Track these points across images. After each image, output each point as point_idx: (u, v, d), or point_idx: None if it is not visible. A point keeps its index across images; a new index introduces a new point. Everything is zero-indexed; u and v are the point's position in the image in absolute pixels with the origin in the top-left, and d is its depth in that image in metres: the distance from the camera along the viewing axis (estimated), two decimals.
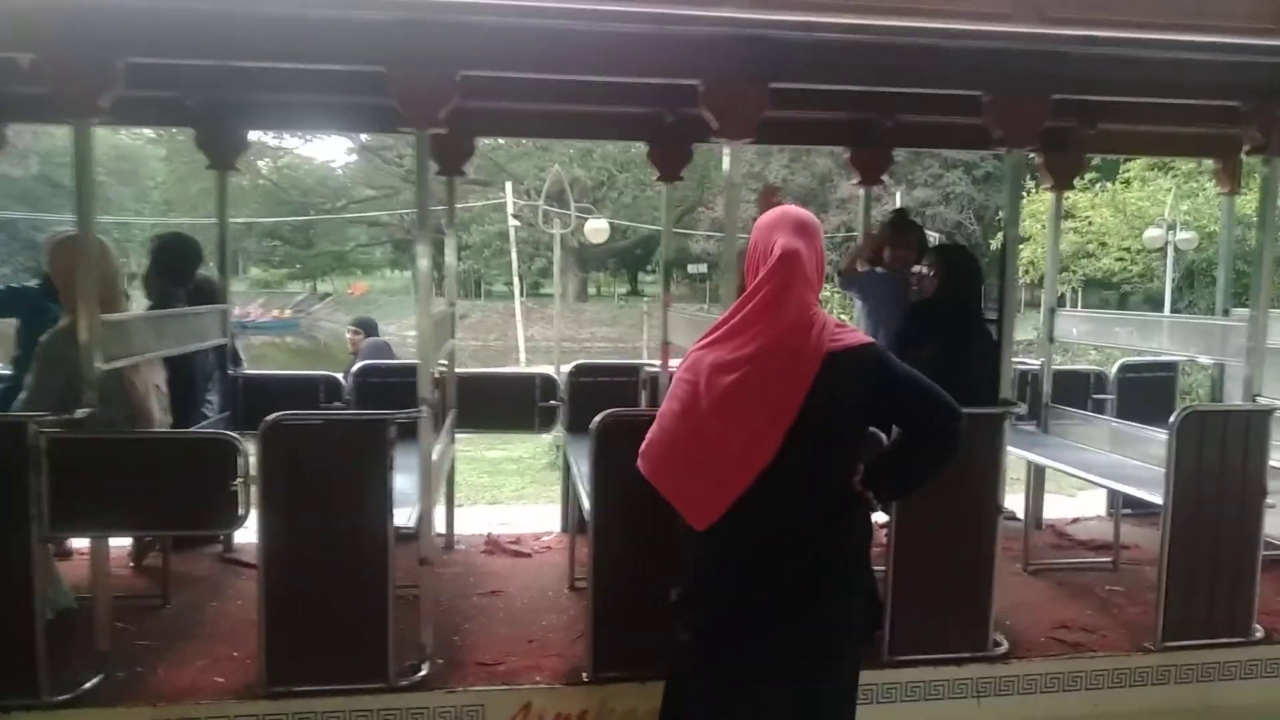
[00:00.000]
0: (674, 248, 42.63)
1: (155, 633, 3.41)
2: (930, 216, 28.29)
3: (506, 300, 44.54)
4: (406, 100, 2.84)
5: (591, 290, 46.82)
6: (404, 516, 3.03)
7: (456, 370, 4.52)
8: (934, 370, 3.28)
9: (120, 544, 4.12)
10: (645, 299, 43.07)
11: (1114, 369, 5.05)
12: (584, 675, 3.08)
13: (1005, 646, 3.34)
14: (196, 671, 3.08)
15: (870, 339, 2.30)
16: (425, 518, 3.09)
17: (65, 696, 2.84)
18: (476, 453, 9.76)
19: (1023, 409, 3.41)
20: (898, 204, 26.78)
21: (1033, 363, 4.83)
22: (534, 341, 26.75)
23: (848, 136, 4.61)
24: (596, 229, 21.82)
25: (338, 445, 2.94)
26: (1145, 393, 4.92)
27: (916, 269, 3.74)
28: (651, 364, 4.62)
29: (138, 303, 4.04)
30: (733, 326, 2.19)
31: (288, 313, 40.77)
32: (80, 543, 4.17)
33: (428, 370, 3.09)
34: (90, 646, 3.00)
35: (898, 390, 2.19)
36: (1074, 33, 2.99)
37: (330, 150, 44.52)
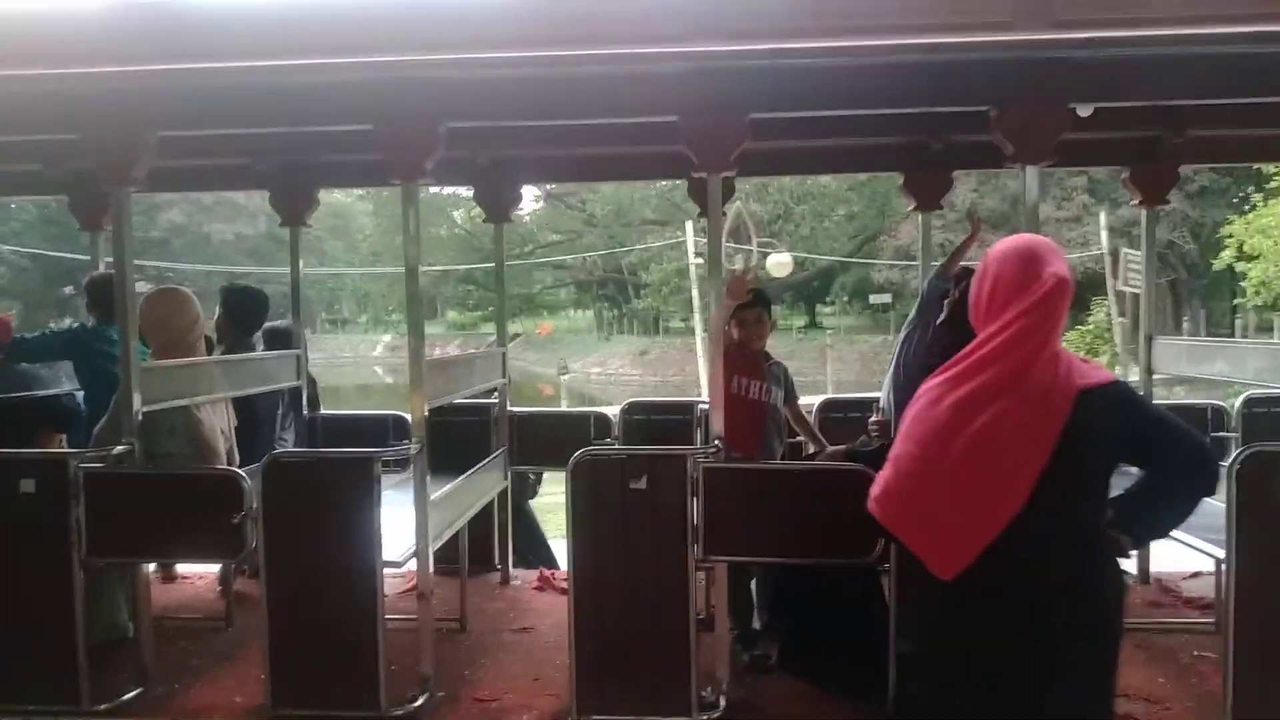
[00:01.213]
0: (855, 277, 41.76)
1: (206, 653, 3.71)
2: (1136, 237, 26.15)
3: (684, 336, 45.12)
4: (701, 146, 3.03)
5: None
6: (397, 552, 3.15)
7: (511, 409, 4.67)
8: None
9: (210, 570, 4.52)
10: (826, 331, 42.27)
11: (1237, 403, 4.49)
12: (569, 717, 3.07)
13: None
14: (222, 691, 3.33)
15: (1114, 376, 2.18)
16: (421, 555, 3.19)
17: (103, 706, 3.15)
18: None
19: None
20: (1102, 225, 24.96)
21: None
22: None
23: (1129, 156, 4.25)
24: (780, 263, 21.67)
25: (329, 482, 3.10)
26: (1276, 430, 4.33)
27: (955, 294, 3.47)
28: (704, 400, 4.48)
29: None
30: (978, 361, 2.03)
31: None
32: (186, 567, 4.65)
33: (421, 410, 3.18)
34: (138, 663, 3.30)
35: (1148, 429, 2.06)
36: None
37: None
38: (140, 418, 3.22)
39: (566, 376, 32.34)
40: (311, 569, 3.08)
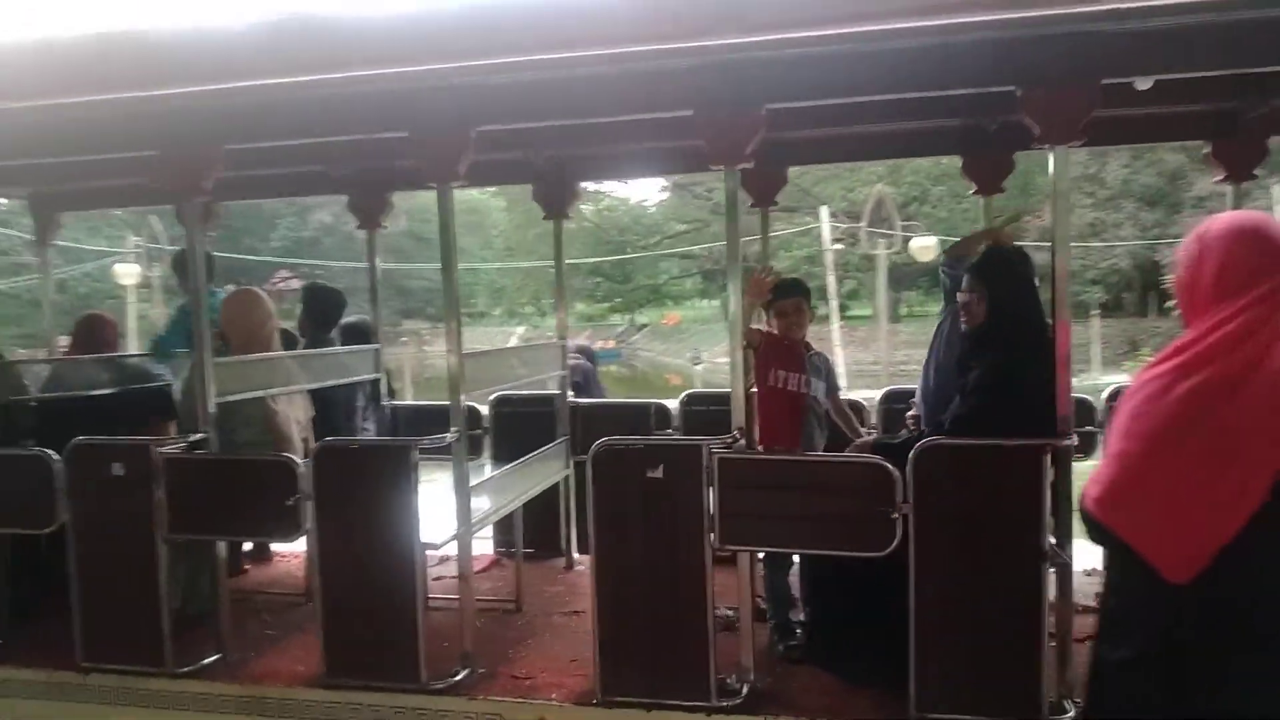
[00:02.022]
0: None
1: (282, 625, 4.04)
2: None
3: (815, 325, 44.28)
4: (714, 139, 3.05)
5: (903, 310, 45.13)
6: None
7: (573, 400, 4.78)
8: (982, 396, 3.04)
9: (300, 548, 4.86)
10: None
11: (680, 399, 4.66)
12: (594, 699, 3.17)
13: (1069, 714, 2.91)
14: (288, 660, 3.61)
15: None
16: (462, 538, 3.37)
17: (184, 669, 3.48)
18: None
19: (1074, 440, 2.93)
20: (1275, 203, 22.95)
21: None
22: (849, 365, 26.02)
23: (1208, 129, 4.05)
24: (924, 246, 21.07)
25: (371, 468, 3.31)
26: None
27: (961, 296, 3.36)
28: None
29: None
30: (1207, 349, 1.88)
31: (611, 343, 43.74)
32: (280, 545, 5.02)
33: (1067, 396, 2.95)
34: (219, 633, 3.63)
35: None
36: None
37: (644, 190, 47.36)
38: (215, 409, 3.53)
39: (700, 366, 32.41)
40: (357, 550, 3.30)
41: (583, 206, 46.79)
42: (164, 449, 3.44)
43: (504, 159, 4.39)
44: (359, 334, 4.96)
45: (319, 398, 4.43)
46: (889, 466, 2.90)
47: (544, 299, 44.13)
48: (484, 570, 4.69)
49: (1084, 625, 2.76)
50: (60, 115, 3.38)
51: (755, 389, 3.59)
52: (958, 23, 2.71)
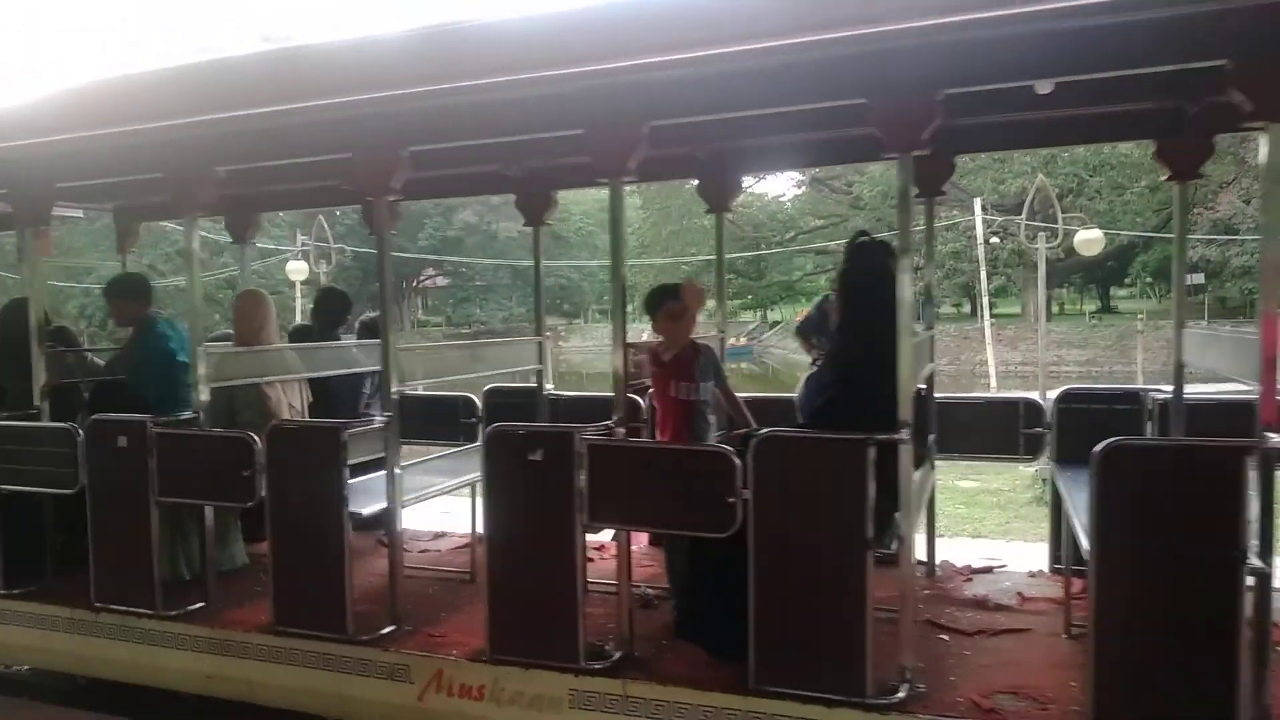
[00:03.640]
0: (1158, 255, 37.40)
1: (450, 603, 4.24)
2: None
3: (957, 322, 42.84)
4: (889, 127, 2.99)
5: (1054, 309, 42.90)
6: None
7: (936, 395, 4.51)
8: (832, 392, 3.23)
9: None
10: (1123, 317, 38.29)
11: (1056, 396, 4.34)
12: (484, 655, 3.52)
13: (899, 697, 3.04)
14: (456, 634, 3.77)
15: None
16: (389, 515, 3.79)
17: (364, 638, 3.77)
18: (947, 481, 9.60)
19: (903, 436, 3.02)
20: None
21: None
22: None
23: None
24: (1089, 240, 20.15)
25: (309, 446, 3.80)
26: None
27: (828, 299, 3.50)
28: (1160, 389, 4.26)
29: None
30: None
31: (742, 340, 43.74)
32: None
33: (909, 393, 3.04)
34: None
35: None
36: None
37: (780, 185, 46.99)
38: (209, 394, 4.11)
39: None
40: (299, 522, 3.80)
41: None
42: (158, 426, 4.05)
43: (669, 154, 4.44)
44: (373, 330, 5.51)
45: (321, 386, 5.00)
46: (731, 455, 3.13)
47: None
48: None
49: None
50: (262, 124, 3.68)
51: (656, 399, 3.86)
52: None
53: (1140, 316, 29.03)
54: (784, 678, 3.11)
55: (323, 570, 3.76)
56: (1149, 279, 42.35)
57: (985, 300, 26.49)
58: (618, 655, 3.44)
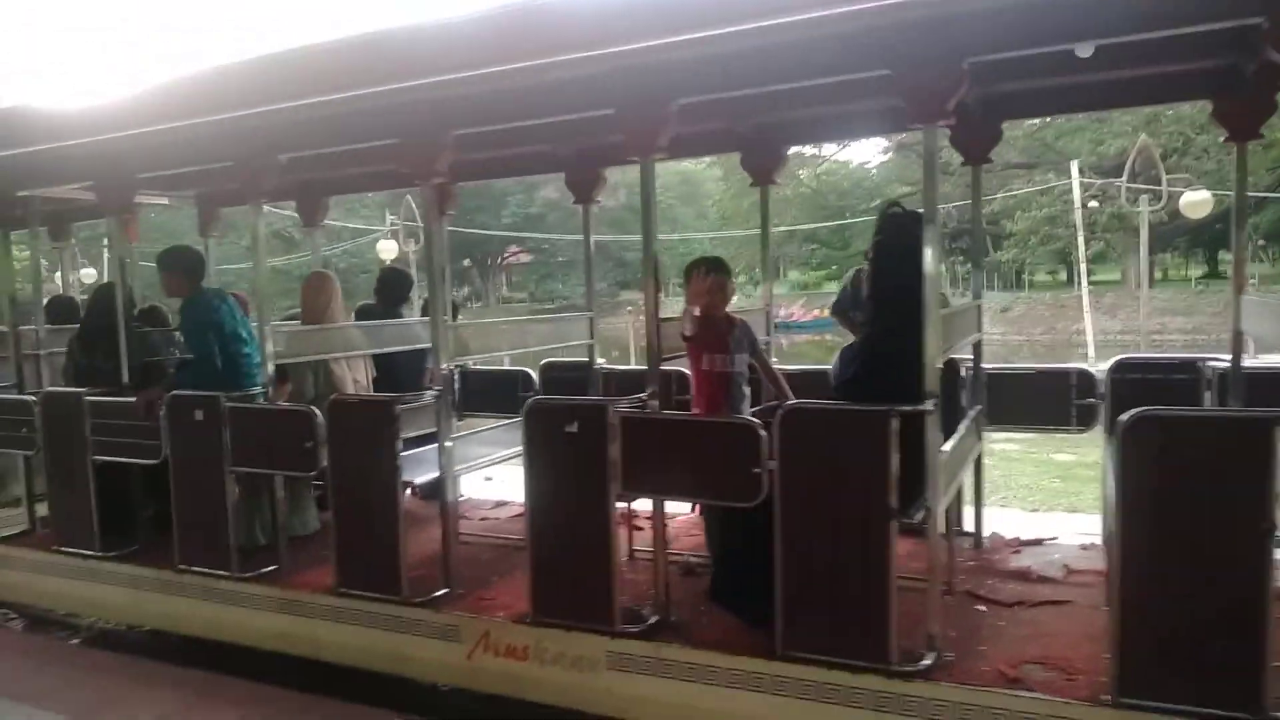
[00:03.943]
0: (1272, 216, 35.32)
1: (503, 568, 4.25)
2: None
3: (1052, 290, 41.40)
4: (912, 97, 2.98)
5: (1156, 274, 41.05)
6: None
7: (985, 366, 4.43)
8: (859, 365, 3.27)
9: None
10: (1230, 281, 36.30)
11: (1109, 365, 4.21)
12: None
13: (925, 664, 3.08)
14: (503, 597, 3.93)
15: None
16: (444, 483, 3.97)
17: (418, 600, 3.97)
18: (1042, 455, 9.74)
19: (928, 407, 3.00)
20: None
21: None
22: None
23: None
24: (1196, 202, 19.41)
25: (363, 420, 4.01)
26: None
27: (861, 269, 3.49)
28: (1219, 358, 4.11)
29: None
30: None
31: (826, 312, 43.24)
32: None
33: (935, 365, 3.05)
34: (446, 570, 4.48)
35: None
36: None
37: (865, 152, 46.04)
38: (273, 369, 4.38)
39: None
40: (357, 490, 4.02)
41: (799, 172, 46.35)
42: (230, 401, 4.33)
43: (711, 129, 4.60)
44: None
45: (385, 362, 5.24)
46: (756, 426, 3.20)
47: (757, 268, 44.16)
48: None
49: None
50: (319, 112, 3.84)
51: (691, 371, 3.93)
52: None
53: (1251, 281, 27.52)
54: (810, 644, 3.18)
55: (379, 536, 3.99)
56: (1261, 241, 40.05)
57: (1083, 267, 25.55)
58: (654, 619, 3.56)
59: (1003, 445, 10.01)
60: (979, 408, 4.25)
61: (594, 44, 3.23)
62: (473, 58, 3.46)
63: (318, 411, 4.12)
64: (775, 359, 4.66)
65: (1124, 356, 4.47)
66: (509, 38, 3.45)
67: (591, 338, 5.35)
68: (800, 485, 3.16)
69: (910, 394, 3.05)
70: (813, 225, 42.17)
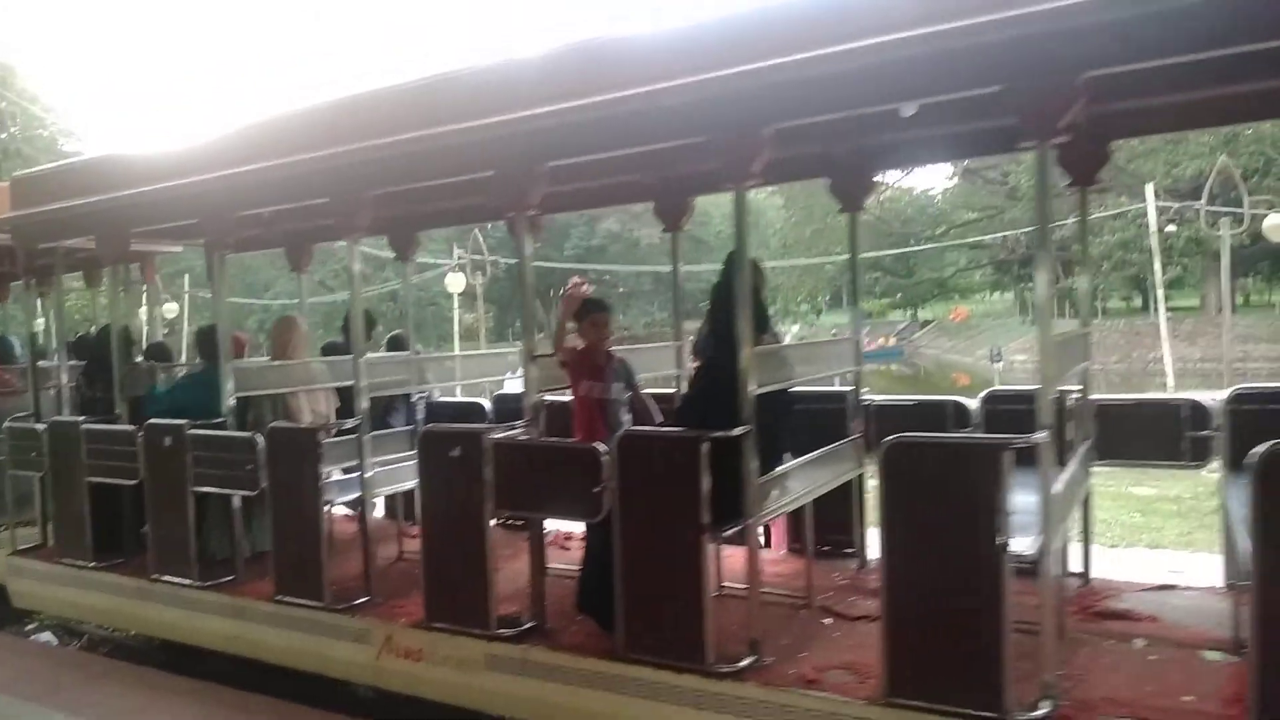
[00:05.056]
0: None
1: None
2: None
3: (1126, 317, 40.19)
4: (1026, 113, 2.87)
5: (1238, 300, 39.52)
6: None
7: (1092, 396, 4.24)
8: (692, 391, 3.65)
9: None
10: None
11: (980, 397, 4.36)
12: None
13: (741, 665, 3.41)
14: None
15: None
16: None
17: (207, 584, 4.91)
18: (1120, 488, 9.28)
19: (740, 432, 3.31)
20: None
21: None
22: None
23: None
24: (1278, 224, 19.11)
25: (290, 450, 4.54)
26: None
27: None
28: None
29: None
30: None
31: (891, 341, 42.82)
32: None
33: (1049, 394, 2.99)
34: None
35: None
36: None
37: (930, 178, 45.59)
38: (234, 401, 4.96)
39: (1000, 364, 31.08)
40: (290, 506, 4.55)
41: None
42: (193, 429, 4.92)
43: (799, 154, 4.41)
44: (398, 344, 6.28)
45: (347, 393, 5.78)
46: (598, 450, 3.60)
47: (820, 296, 44.20)
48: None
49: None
50: (413, 148, 3.94)
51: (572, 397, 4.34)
52: None
53: None
54: (643, 646, 3.55)
55: (308, 548, 4.49)
56: None
57: (1160, 293, 24.95)
58: (528, 625, 3.97)
59: None
60: (1088, 441, 4.02)
61: (688, 71, 3.23)
62: (566, 89, 3.53)
63: (260, 437, 4.67)
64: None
65: (1241, 387, 4.17)
66: (603, 67, 3.53)
67: (679, 368, 5.25)
68: (634, 503, 3.54)
69: (735, 419, 3.39)
70: (876, 253, 41.94)
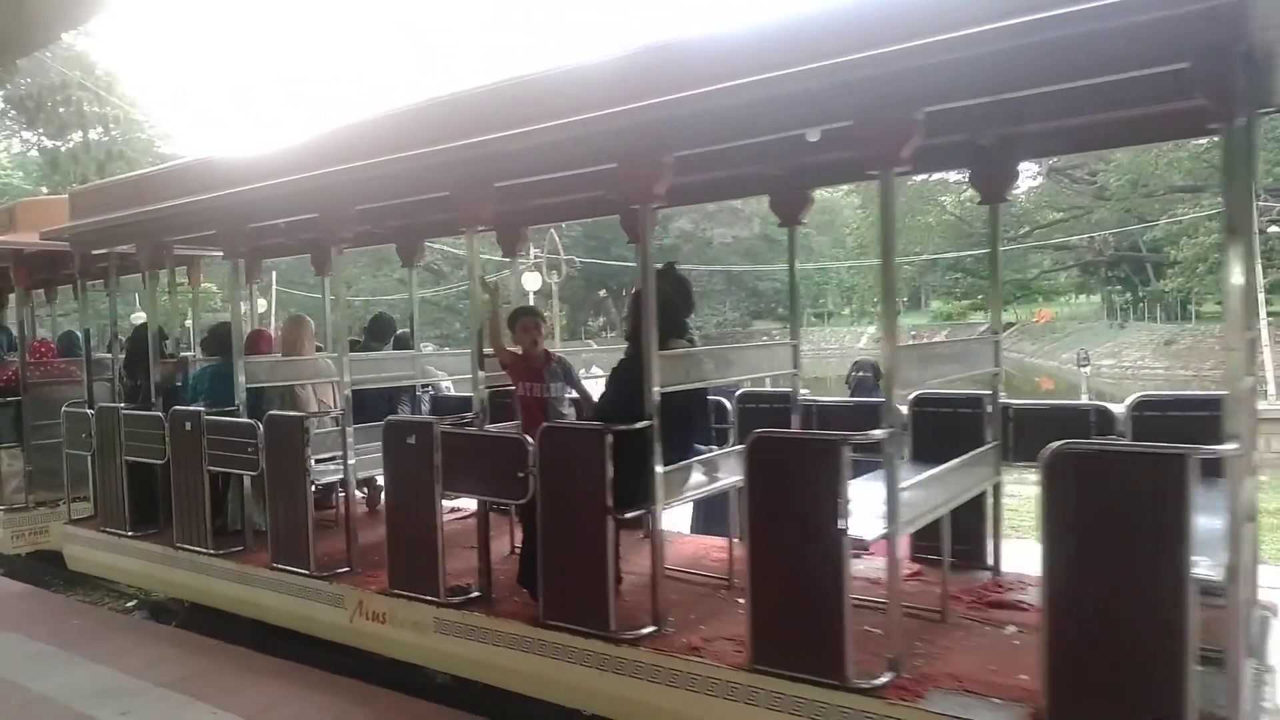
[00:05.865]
0: None
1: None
2: None
3: (1222, 323, 38.02)
4: (1216, 88, 2.64)
5: None
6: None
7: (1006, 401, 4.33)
8: (607, 390, 4.07)
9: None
10: None
11: (1128, 402, 4.22)
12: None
13: (643, 633, 3.80)
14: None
15: None
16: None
17: (221, 551, 5.54)
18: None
19: (644, 425, 3.66)
20: None
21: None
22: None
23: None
24: None
25: (280, 436, 5.11)
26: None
27: None
28: None
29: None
30: None
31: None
32: None
33: (1239, 398, 2.77)
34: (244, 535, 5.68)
35: None
36: None
37: None
38: (245, 392, 5.58)
39: (1087, 369, 30.39)
40: (283, 486, 5.12)
41: (942, 198, 45.10)
42: (208, 415, 5.56)
43: (948, 142, 4.13)
44: (403, 342, 6.85)
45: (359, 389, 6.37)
46: (525, 440, 4.03)
47: (900, 296, 43.44)
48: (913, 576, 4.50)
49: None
50: (535, 140, 3.85)
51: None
52: None
53: None
54: (558, 614, 3.97)
55: (298, 523, 5.05)
56: None
57: (1261, 296, 24.02)
58: (474, 594, 4.43)
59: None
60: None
61: (827, 54, 3.08)
62: (738, 67, 3.31)
63: (259, 424, 5.26)
64: None
65: (1143, 395, 4.19)
66: (768, 49, 3.30)
67: (795, 367, 5.02)
68: (552, 488, 3.96)
69: (643, 416, 3.78)
70: (956, 254, 41.27)
